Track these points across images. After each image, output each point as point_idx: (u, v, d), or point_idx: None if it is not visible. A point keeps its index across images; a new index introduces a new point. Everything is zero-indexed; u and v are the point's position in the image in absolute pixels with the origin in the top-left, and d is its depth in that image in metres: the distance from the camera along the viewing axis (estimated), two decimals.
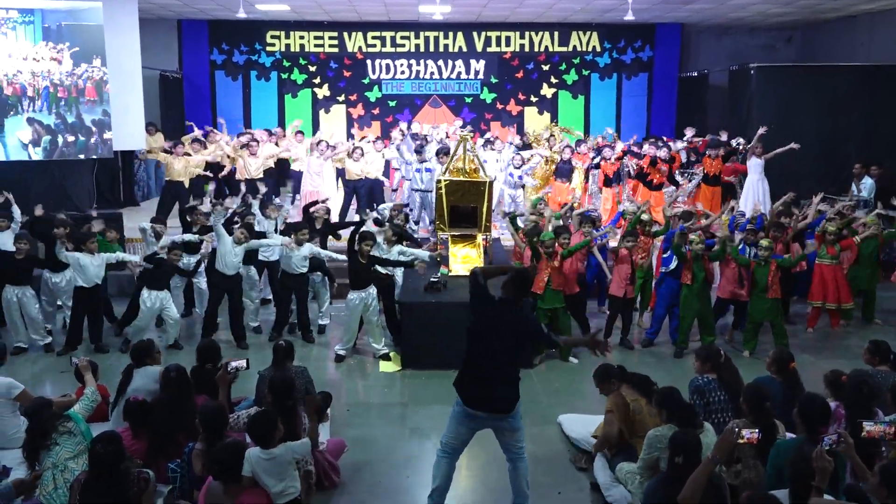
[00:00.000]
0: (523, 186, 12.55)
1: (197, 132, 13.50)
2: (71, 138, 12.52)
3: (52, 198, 11.70)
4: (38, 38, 12.23)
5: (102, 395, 5.96)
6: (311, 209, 9.78)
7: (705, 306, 8.56)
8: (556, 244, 8.38)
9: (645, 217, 9.27)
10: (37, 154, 12.32)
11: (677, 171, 12.98)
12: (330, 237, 9.78)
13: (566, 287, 8.51)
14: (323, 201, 10.24)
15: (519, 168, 12.42)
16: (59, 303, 9.26)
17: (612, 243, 9.39)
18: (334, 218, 11.33)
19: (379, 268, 8.60)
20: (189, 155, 12.41)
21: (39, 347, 8.75)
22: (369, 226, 9.32)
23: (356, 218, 10.73)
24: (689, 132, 14.28)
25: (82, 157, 12.75)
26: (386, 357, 8.44)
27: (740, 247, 8.93)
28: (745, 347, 8.66)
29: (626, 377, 5.89)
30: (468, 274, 5.20)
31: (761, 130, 12.37)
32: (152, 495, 4.74)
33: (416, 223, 12.19)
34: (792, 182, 10.42)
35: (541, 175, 12.89)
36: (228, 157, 12.90)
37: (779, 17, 15.76)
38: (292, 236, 8.73)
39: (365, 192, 12.63)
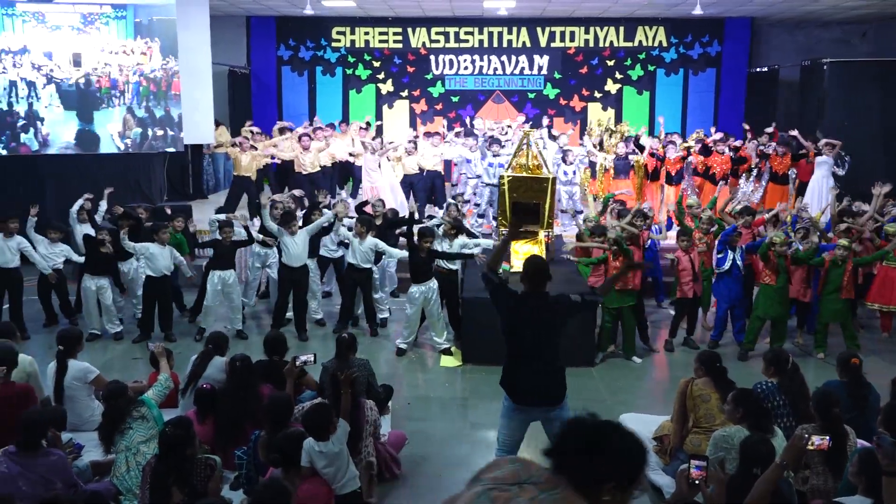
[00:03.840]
0: (578, 183, 12.48)
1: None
2: (160, 132, 12.93)
3: (125, 190, 12.10)
4: (130, 32, 12.64)
5: (174, 382, 6.15)
6: (364, 208, 9.89)
7: (783, 309, 8.32)
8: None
9: (705, 215, 9.11)
10: (126, 146, 12.76)
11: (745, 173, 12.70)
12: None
13: (633, 283, 8.41)
14: (376, 202, 10.23)
15: (571, 164, 12.35)
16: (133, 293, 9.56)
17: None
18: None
19: (441, 263, 8.66)
20: (255, 149, 12.67)
21: (110, 335, 9.06)
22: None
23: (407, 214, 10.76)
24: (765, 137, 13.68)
25: (172, 150, 13.18)
26: (447, 351, 8.50)
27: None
28: (817, 350, 8.46)
29: (712, 370, 5.75)
30: (482, 278, 5.10)
31: (823, 140, 11.99)
32: (219, 481, 4.87)
33: (482, 216, 12.22)
34: (866, 182, 10.07)
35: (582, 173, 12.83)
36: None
37: (853, 11, 15.26)
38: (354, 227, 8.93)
39: (423, 187, 12.69)
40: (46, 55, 12.26)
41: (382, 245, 8.96)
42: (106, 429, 5.31)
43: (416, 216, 9.92)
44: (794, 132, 12.51)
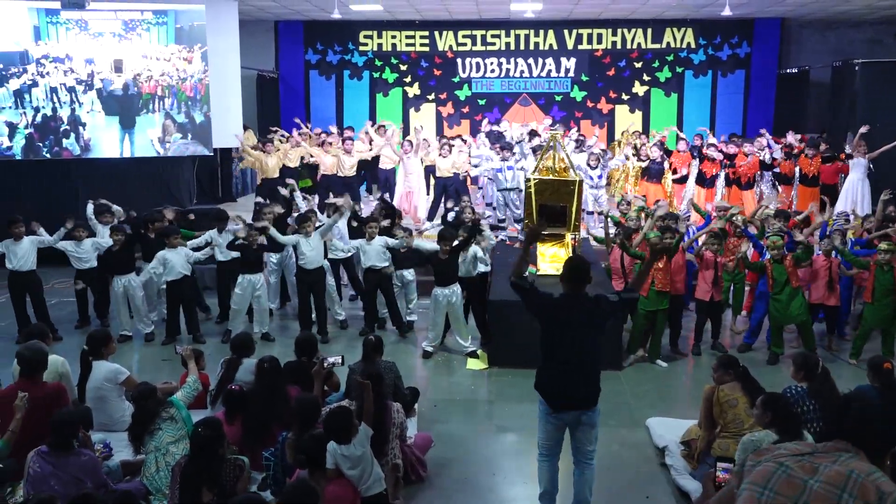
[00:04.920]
0: (606, 186, 12.43)
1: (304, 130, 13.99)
2: (201, 137, 13.14)
3: (155, 193, 12.27)
4: (171, 38, 12.87)
5: (203, 383, 6.22)
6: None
7: (798, 312, 8.15)
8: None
9: (736, 219, 9.04)
10: (167, 152, 13.02)
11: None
12: None
13: (673, 287, 8.35)
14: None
15: (595, 168, 12.32)
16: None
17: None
18: (423, 213, 11.76)
19: (473, 269, 8.69)
20: (277, 150, 12.76)
21: (141, 335, 9.17)
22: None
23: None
24: (791, 136, 13.59)
25: (209, 153, 13.45)
26: (473, 354, 8.49)
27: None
28: (852, 357, 8.32)
29: (739, 374, 5.70)
30: (511, 287, 5.06)
31: (863, 129, 11.85)
32: (247, 481, 4.92)
33: (501, 221, 12.21)
34: None
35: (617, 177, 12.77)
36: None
37: (886, 11, 15.04)
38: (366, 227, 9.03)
39: (454, 190, 12.71)
40: (88, 62, 12.56)
41: (391, 241, 9.02)
42: (136, 429, 5.38)
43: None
44: (864, 129, 12.10)
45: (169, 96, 12.92)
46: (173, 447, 5.25)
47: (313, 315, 9.21)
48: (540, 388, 4.95)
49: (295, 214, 9.70)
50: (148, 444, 5.30)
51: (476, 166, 12.84)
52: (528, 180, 9.38)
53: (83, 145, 12.63)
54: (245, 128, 14.62)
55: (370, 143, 13.57)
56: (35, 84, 12.35)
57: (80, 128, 12.60)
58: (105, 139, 12.79)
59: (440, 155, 12.71)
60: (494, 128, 14.65)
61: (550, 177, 9.32)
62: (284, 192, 10.48)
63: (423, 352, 8.61)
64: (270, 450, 5.38)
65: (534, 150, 11.98)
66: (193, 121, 13.05)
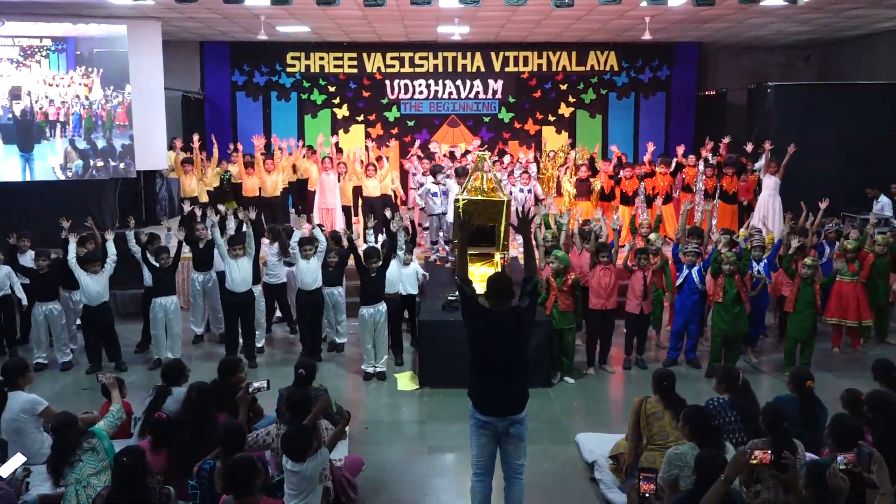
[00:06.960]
0: (536, 202, 12.60)
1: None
2: (101, 163, 12.81)
3: (76, 217, 11.86)
4: (71, 65, 12.55)
5: (127, 411, 6.03)
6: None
7: (736, 326, 8.46)
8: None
9: (652, 236, 9.29)
10: (68, 178, 12.65)
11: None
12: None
13: (607, 301, 8.53)
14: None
15: (527, 184, 12.52)
16: (78, 322, 9.37)
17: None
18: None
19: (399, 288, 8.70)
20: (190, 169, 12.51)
21: (57, 364, 8.87)
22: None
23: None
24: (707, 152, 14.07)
25: (133, 175, 13.19)
26: (381, 375, 8.53)
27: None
28: (786, 369, 8.53)
29: (661, 388, 5.77)
30: (457, 286, 5.13)
31: (767, 145, 12.37)
32: None
33: (434, 243, 12.25)
34: (811, 200, 10.35)
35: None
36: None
37: (796, 37, 15.75)
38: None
39: (381, 209, 12.69)
40: None
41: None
42: (55, 461, 5.17)
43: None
44: (767, 145, 12.65)
45: (70, 123, 12.60)
46: (95, 479, 5.07)
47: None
48: (472, 394, 5.03)
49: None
50: (68, 477, 5.10)
51: (420, 194, 12.86)
52: (456, 200, 9.45)
53: None
54: (175, 146, 14.29)
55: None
56: None
57: None
58: (4, 168, 12.35)
59: (366, 175, 12.68)
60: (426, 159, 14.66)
61: (479, 197, 9.41)
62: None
63: (364, 374, 8.56)
64: (196, 479, 5.25)
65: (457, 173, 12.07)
66: (96, 147, 12.76)
